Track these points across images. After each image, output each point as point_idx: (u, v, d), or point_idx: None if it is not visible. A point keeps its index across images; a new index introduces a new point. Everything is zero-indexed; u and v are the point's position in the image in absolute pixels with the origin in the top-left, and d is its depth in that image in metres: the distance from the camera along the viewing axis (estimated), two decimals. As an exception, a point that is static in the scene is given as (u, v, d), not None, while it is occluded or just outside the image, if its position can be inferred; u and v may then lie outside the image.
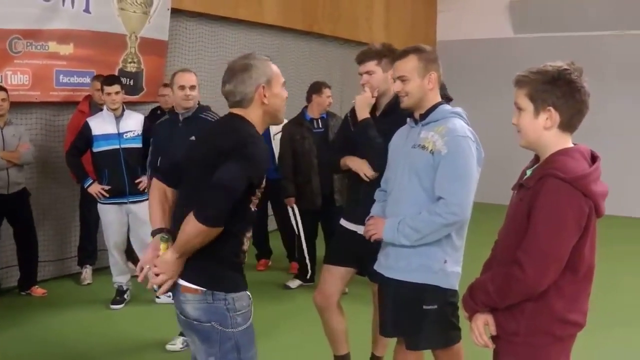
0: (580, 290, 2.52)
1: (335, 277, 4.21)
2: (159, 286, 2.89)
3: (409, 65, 3.44)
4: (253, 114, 2.93)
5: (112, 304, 6.34)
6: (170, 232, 2.94)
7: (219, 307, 2.84)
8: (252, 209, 2.94)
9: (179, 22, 8.28)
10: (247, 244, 2.99)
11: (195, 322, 2.89)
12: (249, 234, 3.01)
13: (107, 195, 6.09)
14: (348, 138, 4.19)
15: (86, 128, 6.07)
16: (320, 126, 6.83)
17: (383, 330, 3.80)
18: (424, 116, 3.46)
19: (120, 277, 6.40)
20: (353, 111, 4.17)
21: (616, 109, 11.28)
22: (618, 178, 11.09)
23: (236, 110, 2.95)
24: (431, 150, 3.31)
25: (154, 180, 3.17)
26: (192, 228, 2.70)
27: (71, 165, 6.22)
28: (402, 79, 3.44)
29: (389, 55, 3.93)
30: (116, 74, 7.06)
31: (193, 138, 4.57)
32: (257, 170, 2.81)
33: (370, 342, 4.61)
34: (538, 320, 2.48)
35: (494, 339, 2.64)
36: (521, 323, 2.50)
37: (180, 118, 5.16)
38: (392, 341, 3.93)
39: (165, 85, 7.58)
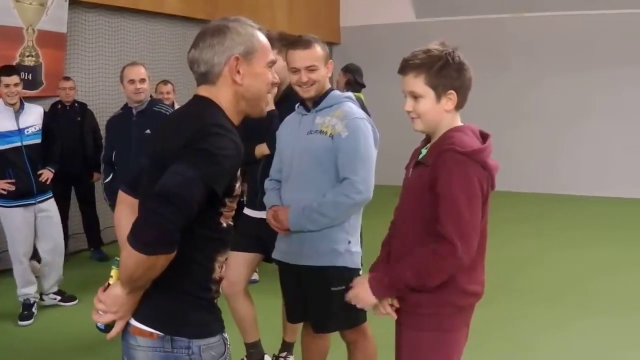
0: (477, 261, 2.59)
1: (240, 263, 4.22)
2: (106, 325, 2.16)
3: (317, 54, 3.46)
4: (222, 96, 2.18)
5: (21, 319, 5.72)
6: None
7: (180, 358, 2.14)
8: (224, 225, 2.18)
9: (78, 14, 8.11)
10: (220, 271, 2.23)
11: None
12: (223, 258, 2.23)
13: (13, 189, 5.61)
14: (253, 127, 4.18)
15: None
16: None
17: (290, 317, 3.87)
18: (317, 102, 3.50)
19: (27, 289, 5.81)
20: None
21: (512, 86, 11.82)
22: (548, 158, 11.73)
23: (202, 90, 2.21)
24: (330, 134, 3.37)
25: (120, 194, 2.60)
26: (128, 257, 1.93)
27: None
28: (312, 68, 3.44)
29: (287, 43, 3.96)
30: (14, 68, 6.88)
31: (148, 131, 4.67)
32: (219, 171, 2.01)
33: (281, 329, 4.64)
34: (442, 292, 2.54)
35: (396, 311, 2.68)
36: (424, 295, 2.56)
37: (134, 112, 5.15)
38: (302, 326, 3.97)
39: (66, 78, 7.46)
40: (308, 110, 3.56)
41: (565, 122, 11.75)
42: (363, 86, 7.45)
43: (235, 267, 4.23)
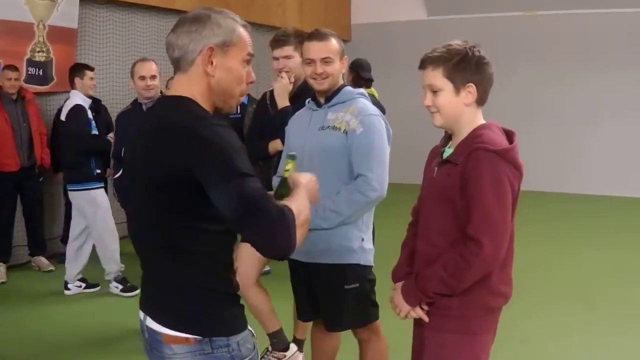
0: (507, 259, 2.57)
1: (251, 257, 4.09)
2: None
3: (333, 47, 3.44)
4: (195, 89, 2.11)
5: (123, 291, 6.10)
6: None
7: (221, 357, 2.09)
8: None
9: (89, 10, 8.11)
10: (235, 262, 2.28)
11: None
12: (236, 247, 2.28)
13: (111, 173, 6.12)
14: (267, 123, 4.18)
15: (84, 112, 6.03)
16: (238, 112, 6.74)
17: (301, 315, 3.83)
18: (329, 98, 3.47)
19: (117, 266, 6.15)
20: (272, 97, 4.16)
21: (524, 85, 11.72)
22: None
23: (176, 84, 2.16)
24: (344, 130, 3.33)
25: None
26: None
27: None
28: (327, 60, 3.41)
29: (303, 40, 3.93)
30: (24, 63, 6.92)
31: None
32: (239, 152, 1.98)
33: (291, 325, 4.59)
34: (472, 293, 2.52)
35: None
36: (455, 297, 2.54)
37: (144, 108, 5.19)
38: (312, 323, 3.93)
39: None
40: (319, 105, 3.52)
41: (578, 122, 11.66)
42: (370, 81, 7.27)
43: (246, 260, 4.19)
